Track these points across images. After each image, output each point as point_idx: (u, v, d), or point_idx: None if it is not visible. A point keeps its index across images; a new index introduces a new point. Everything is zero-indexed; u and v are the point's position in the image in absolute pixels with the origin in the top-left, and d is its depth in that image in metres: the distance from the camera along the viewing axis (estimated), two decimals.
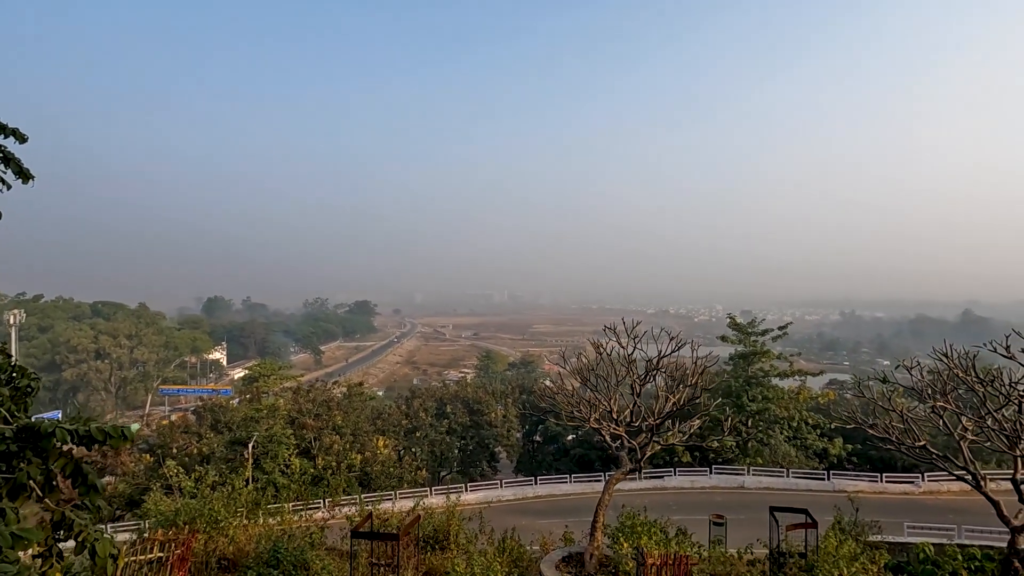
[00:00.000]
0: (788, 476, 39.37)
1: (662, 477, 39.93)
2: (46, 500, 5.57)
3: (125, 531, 34.11)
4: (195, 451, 42.61)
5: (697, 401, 14.96)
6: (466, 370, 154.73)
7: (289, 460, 39.49)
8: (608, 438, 16.11)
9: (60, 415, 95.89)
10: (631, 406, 15.90)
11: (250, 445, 37.19)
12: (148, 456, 43.08)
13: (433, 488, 41.32)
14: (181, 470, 36.21)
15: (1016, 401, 12.02)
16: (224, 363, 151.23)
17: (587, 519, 25.90)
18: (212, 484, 21.34)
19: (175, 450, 43.85)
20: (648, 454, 16.33)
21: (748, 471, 40.15)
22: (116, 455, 41.31)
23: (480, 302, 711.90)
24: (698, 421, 16.45)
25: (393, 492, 39.87)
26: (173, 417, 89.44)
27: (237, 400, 69.48)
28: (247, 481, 32.36)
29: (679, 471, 40.42)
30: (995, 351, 12.47)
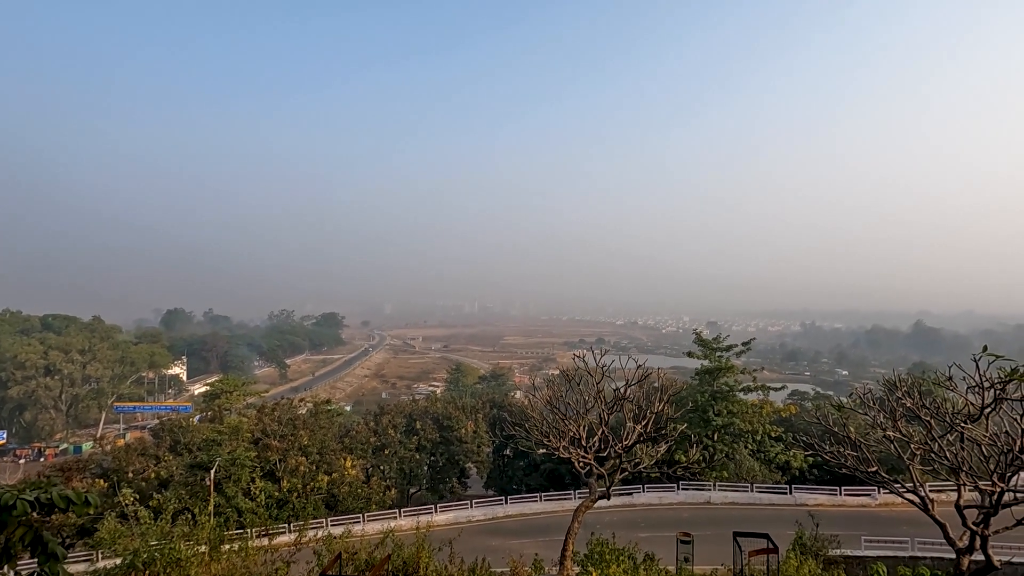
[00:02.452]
0: (752, 491, 40.32)
1: (631, 494, 40.33)
2: (4, 570, 5.45)
3: (76, 562, 32.57)
4: (153, 475, 41.01)
5: (664, 432, 15.36)
6: (436, 383, 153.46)
7: (252, 484, 38.41)
8: (577, 465, 16.34)
9: (5, 435, 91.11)
10: (599, 433, 16.18)
11: (212, 471, 36.03)
12: (102, 481, 41.20)
13: (402, 510, 40.74)
14: (137, 498, 34.94)
15: (958, 430, 12.75)
16: (184, 378, 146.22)
17: (558, 539, 26.00)
18: (172, 514, 20.61)
19: (131, 474, 42.11)
20: (617, 480, 16.65)
21: (714, 486, 40.96)
22: (67, 482, 39.36)
23: (450, 313, 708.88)
24: (665, 446, 16.85)
25: (361, 514, 39.20)
26: (129, 436, 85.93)
27: (198, 417, 67.29)
28: (210, 515, 31.31)
29: (647, 487, 40.91)
30: (939, 384, 13.21)
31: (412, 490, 52.58)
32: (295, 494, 40.00)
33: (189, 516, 20.78)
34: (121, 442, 62.46)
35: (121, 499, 33.65)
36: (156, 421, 76.20)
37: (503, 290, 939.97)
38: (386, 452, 49.78)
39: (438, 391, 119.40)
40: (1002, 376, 12.08)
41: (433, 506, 41.41)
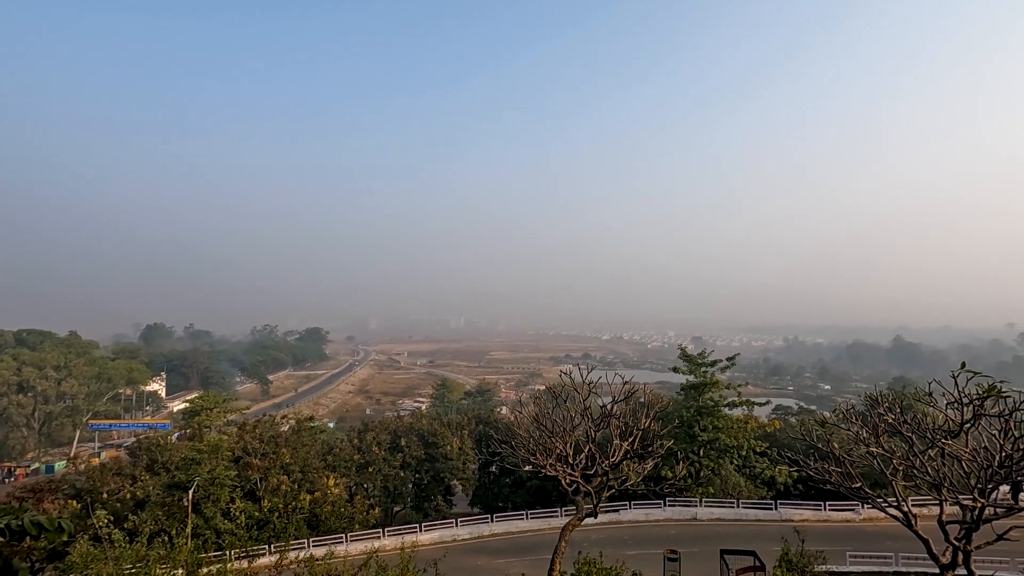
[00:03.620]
0: (738, 507, 40.35)
1: (618, 511, 40.12)
2: None
3: None
4: (128, 496, 39.82)
5: (651, 448, 15.35)
6: (421, 399, 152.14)
7: (232, 504, 37.50)
8: (564, 483, 16.23)
9: None
10: (586, 450, 16.11)
11: (191, 492, 35.12)
12: (74, 502, 39.89)
13: (386, 529, 40.06)
14: (112, 519, 33.86)
15: (939, 446, 12.93)
16: (163, 395, 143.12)
17: (544, 557, 25.64)
18: (148, 536, 19.93)
19: (106, 495, 40.86)
20: (604, 497, 16.55)
21: (700, 502, 40.92)
22: (38, 504, 38.09)
23: (436, 328, 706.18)
24: (651, 463, 16.83)
25: (344, 534, 38.47)
26: (104, 455, 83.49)
27: (176, 435, 65.76)
28: (188, 537, 30.39)
29: (634, 504, 40.75)
30: (919, 399, 13.42)
31: (396, 508, 51.72)
32: (276, 514, 39.11)
33: (166, 538, 20.15)
34: (96, 461, 60.73)
35: (94, 521, 32.61)
36: (133, 439, 74.35)
37: (489, 305, 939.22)
38: (370, 470, 48.98)
39: (423, 407, 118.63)
40: (980, 392, 12.31)
41: (418, 525, 40.79)
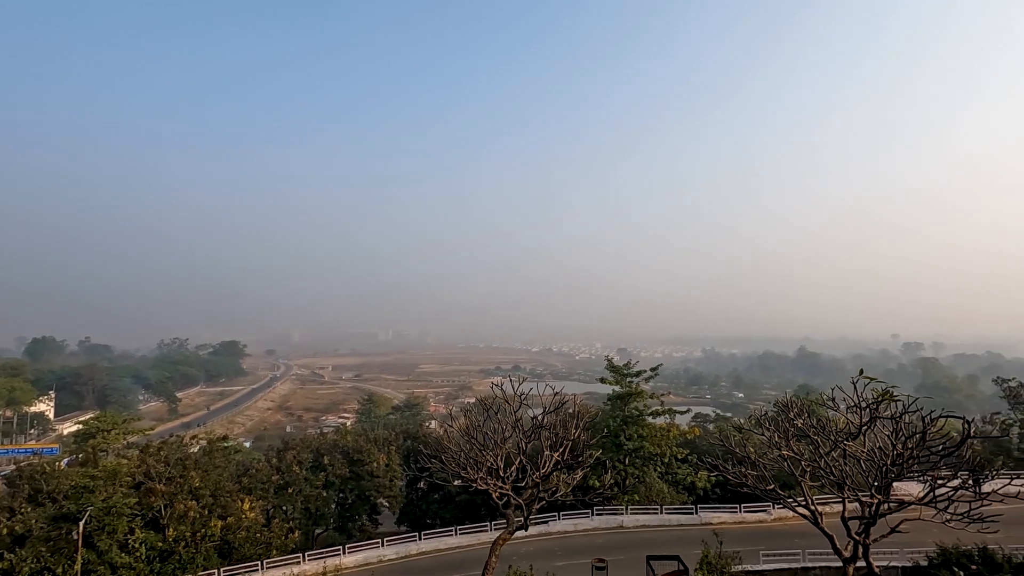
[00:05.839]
0: (662, 512, 41.68)
1: (547, 522, 40.25)
2: None
3: None
4: (5, 531, 35.26)
5: (580, 458, 15.51)
6: (346, 415, 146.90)
7: (131, 534, 34.15)
8: (495, 496, 16.02)
9: None
10: (517, 462, 16.00)
11: (81, 524, 31.62)
12: None
13: (307, 553, 37.94)
14: None
15: (842, 447, 13.96)
16: (51, 416, 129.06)
17: (475, 573, 25.17)
18: (29, 575, 17.71)
19: None
20: (535, 510, 16.49)
21: (626, 510, 41.91)
22: None
23: (363, 341, 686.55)
24: (580, 473, 17.01)
25: (260, 562, 36.06)
26: None
27: (66, 460, 59.43)
28: (76, 574, 27.27)
29: (563, 515, 41.04)
30: (824, 405, 14.46)
31: (318, 531, 49.19)
32: (183, 543, 35.97)
33: None
34: None
35: None
36: (12, 467, 66.26)
37: (419, 318, 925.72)
38: (290, 491, 46.29)
39: (348, 423, 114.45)
40: (875, 396, 13.45)
41: (341, 547, 38.99)
